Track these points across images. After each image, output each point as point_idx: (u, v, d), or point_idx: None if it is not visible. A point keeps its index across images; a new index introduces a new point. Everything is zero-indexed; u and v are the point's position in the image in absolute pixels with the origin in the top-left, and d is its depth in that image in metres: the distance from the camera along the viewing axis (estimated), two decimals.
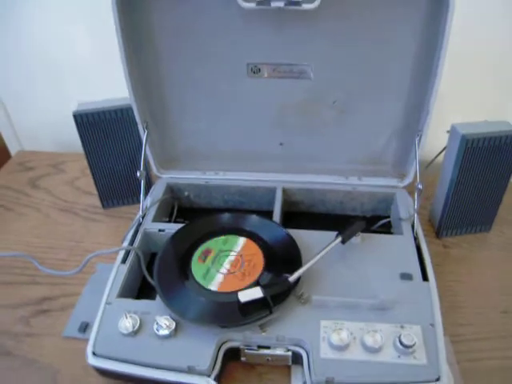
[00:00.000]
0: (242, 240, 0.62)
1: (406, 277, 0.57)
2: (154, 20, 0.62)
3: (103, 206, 0.81)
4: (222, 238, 0.63)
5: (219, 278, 0.57)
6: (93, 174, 0.76)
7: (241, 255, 0.60)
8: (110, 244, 0.71)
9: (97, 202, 0.81)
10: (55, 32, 0.87)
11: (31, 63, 0.92)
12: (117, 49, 0.61)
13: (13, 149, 1.04)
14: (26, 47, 0.90)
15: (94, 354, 0.52)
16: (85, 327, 0.60)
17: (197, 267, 0.58)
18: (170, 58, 0.66)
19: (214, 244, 0.62)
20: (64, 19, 0.85)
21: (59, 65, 0.91)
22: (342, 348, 0.50)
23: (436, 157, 0.72)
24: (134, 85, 0.65)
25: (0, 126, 1.02)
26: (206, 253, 0.60)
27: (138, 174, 0.68)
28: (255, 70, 0.66)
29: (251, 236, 0.63)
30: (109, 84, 0.78)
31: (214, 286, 0.56)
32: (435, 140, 0.68)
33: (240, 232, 0.63)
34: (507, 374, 0.54)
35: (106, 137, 0.73)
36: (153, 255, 0.67)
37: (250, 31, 0.62)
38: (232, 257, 0.60)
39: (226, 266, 0.59)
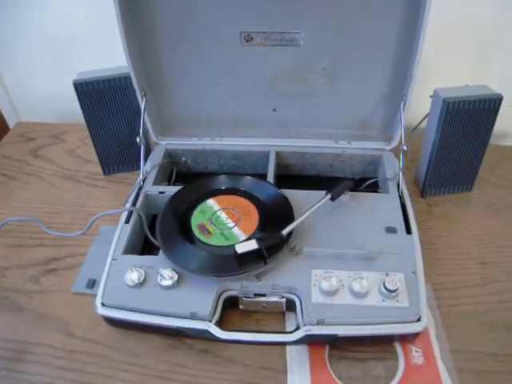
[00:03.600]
0: (210, 200, 0.66)
1: (390, 230, 0.62)
2: None
3: (104, 172, 0.84)
4: (197, 209, 0.65)
5: (237, 231, 0.61)
6: (93, 142, 0.79)
7: (225, 208, 0.64)
8: (112, 207, 0.75)
9: (97, 169, 0.84)
10: (52, 1, 0.88)
11: (28, 34, 0.93)
12: (114, 18, 0.64)
13: (11, 121, 1.06)
14: (23, 18, 0.91)
15: (102, 304, 0.56)
16: (92, 283, 0.65)
17: (212, 239, 0.61)
18: (166, 28, 0.68)
19: (198, 218, 0.64)
20: None
21: (56, 35, 0.92)
22: (331, 293, 0.54)
23: (421, 122, 0.76)
24: (131, 55, 0.68)
25: None
26: (204, 227, 0.62)
27: (138, 140, 0.71)
28: (248, 39, 0.68)
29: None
30: (106, 53, 0.80)
31: (242, 237, 0.60)
32: (421, 106, 0.71)
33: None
34: (481, 317, 0.60)
35: (105, 105, 0.75)
36: (153, 218, 0.71)
37: (244, 1, 0.64)
38: (223, 214, 0.64)
39: (228, 222, 0.63)
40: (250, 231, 0.61)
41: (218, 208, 0.65)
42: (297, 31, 0.67)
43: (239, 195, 0.67)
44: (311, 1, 0.64)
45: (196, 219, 0.64)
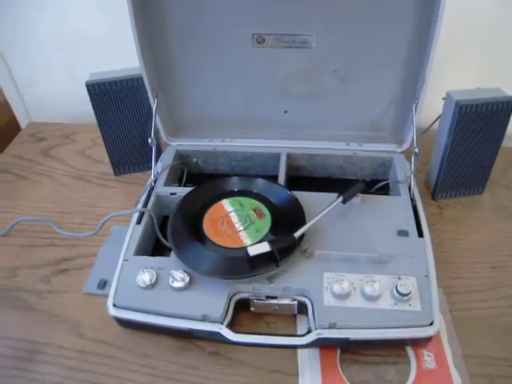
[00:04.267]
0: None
1: (402, 233, 0.62)
2: None
3: (115, 173, 0.84)
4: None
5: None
6: (105, 142, 0.80)
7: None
8: (123, 208, 0.75)
9: (108, 169, 0.84)
10: (64, 4, 0.88)
11: (40, 37, 0.94)
12: (126, 21, 0.64)
13: (22, 122, 1.06)
14: (35, 20, 0.92)
15: (114, 305, 0.56)
16: (103, 284, 0.65)
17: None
18: (178, 29, 0.69)
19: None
20: None
21: (68, 38, 0.93)
22: (343, 296, 0.54)
23: (432, 123, 0.75)
24: (144, 56, 0.68)
25: (10, 99, 1.05)
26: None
27: (150, 141, 0.71)
28: (260, 41, 0.69)
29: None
30: (117, 55, 0.80)
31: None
32: (432, 108, 0.71)
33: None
34: (493, 321, 0.59)
35: (117, 105, 0.76)
36: (164, 219, 0.71)
37: (256, 3, 0.65)
38: (234, 216, 0.64)
39: (238, 225, 0.63)
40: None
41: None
42: (309, 33, 0.67)
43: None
44: (323, 3, 0.64)
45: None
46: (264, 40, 0.69)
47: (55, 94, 1.02)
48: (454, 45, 0.79)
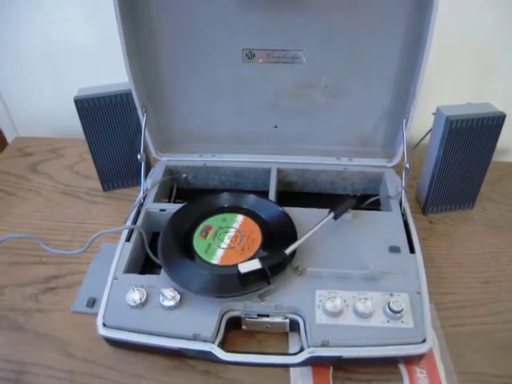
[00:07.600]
0: (240, 217, 0.66)
1: (394, 249, 0.61)
2: (152, 8, 0.65)
3: (104, 188, 0.83)
4: (221, 216, 0.66)
5: (220, 252, 0.61)
6: (93, 158, 0.79)
7: (239, 231, 0.63)
8: (112, 224, 0.75)
9: (97, 185, 0.83)
10: (52, 18, 0.88)
11: (27, 50, 0.93)
12: (114, 35, 0.63)
13: (9, 137, 1.05)
14: (22, 34, 0.91)
15: (104, 325, 0.55)
16: (92, 302, 0.64)
17: (199, 243, 0.62)
18: (167, 44, 0.68)
19: (214, 221, 0.65)
20: (61, 4, 0.86)
21: (55, 52, 0.92)
22: (335, 314, 0.54)
23: (423, 138, 0.76)
24: (133, 71, 0.67)
25: None
26: (207, 229, 0.64)
27: (139, 157, 0.71)
28: (250, 56, 0.69)
29: (248, 213, 0.66)
30: (106, 69, 0.80)
31: (215, 260, 0.60)
32: (422, 123, 0.71)
33: (238, 210, 0.67)
34: (485, 337, 0.59)
35: (106, 121, 0.75)
36: (154, 235, 0.70)
37: (246, 18, 0.65)
38: (231, 233, 0.63)
39: (226, 241, 0.62)
40: (227, 262, 0.60)
41: (237, 227, 0.64)
42: (299, 48, 0.67)
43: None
44: (314, 18, 0.64)
45: (213, 221, 0.65)
46: (254, 55, 0.69)
47: (42, 108, 1.01)
48: (444, 60, 0.79)
